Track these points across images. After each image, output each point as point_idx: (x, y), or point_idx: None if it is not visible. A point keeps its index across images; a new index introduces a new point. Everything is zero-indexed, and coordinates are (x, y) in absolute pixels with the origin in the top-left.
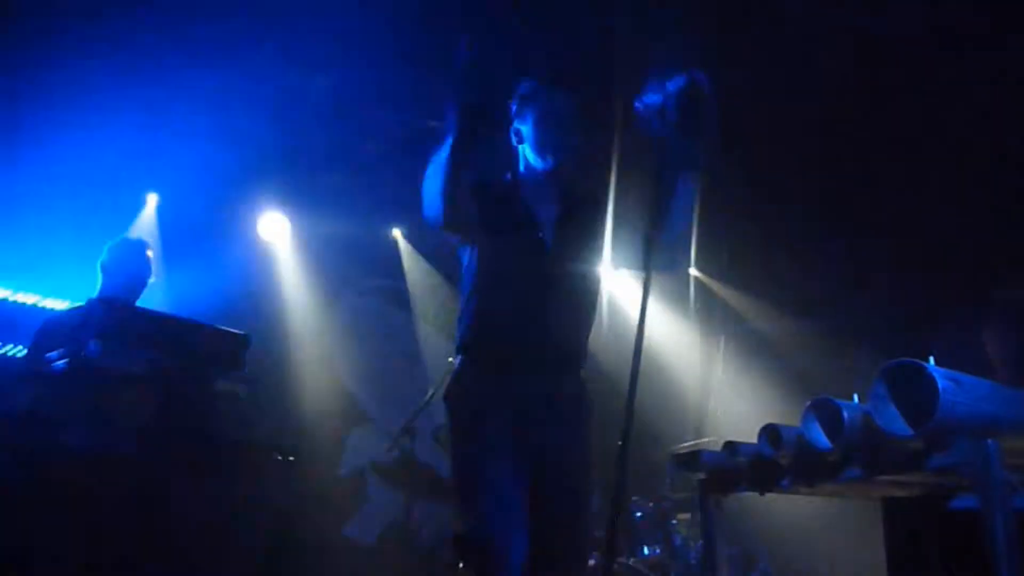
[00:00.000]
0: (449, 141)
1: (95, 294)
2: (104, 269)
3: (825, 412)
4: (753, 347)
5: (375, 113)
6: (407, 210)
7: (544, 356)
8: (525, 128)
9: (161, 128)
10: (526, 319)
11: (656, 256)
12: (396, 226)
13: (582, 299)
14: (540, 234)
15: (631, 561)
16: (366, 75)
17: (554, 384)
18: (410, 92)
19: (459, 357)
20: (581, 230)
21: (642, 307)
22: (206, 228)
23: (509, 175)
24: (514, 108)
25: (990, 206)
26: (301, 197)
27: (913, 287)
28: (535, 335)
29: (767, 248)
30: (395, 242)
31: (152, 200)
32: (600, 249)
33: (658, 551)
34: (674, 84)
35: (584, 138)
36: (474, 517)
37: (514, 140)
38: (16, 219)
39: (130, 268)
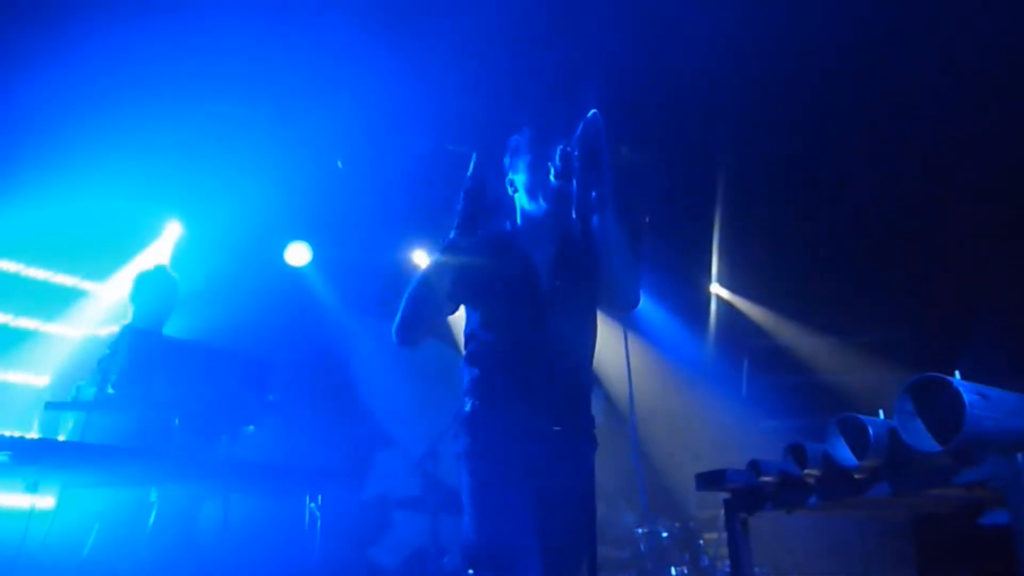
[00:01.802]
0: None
1: (128, 322)
2: (132, 299)
3: (851, 428)
4: (777, 363)
5: (395, 137)
6: (428, 234)
7: (547, 393)
8: (518, 177)
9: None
10: (528, 358)
11: (610, 295)
12: (417, 250)
13: (580, 336)
14: (538, 275)
15: None
16: (386, 99)
17: (559, 420)
18: (431, 116)
19: (467, 398)
20: (575, 269)
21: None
22: (230, 255)
23: (508, 224)
24: (506, 161)
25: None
26: (323, 223)
27: (940, 301)
28: (537, 374)
29: (791, 263)
30: (418, 266)
31: (172, 227)
32: (594, 287)
33: (686, 571)
34: (572, 137)
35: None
36: (489, 536)
37: (509, 191)
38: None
39: (155, 298)
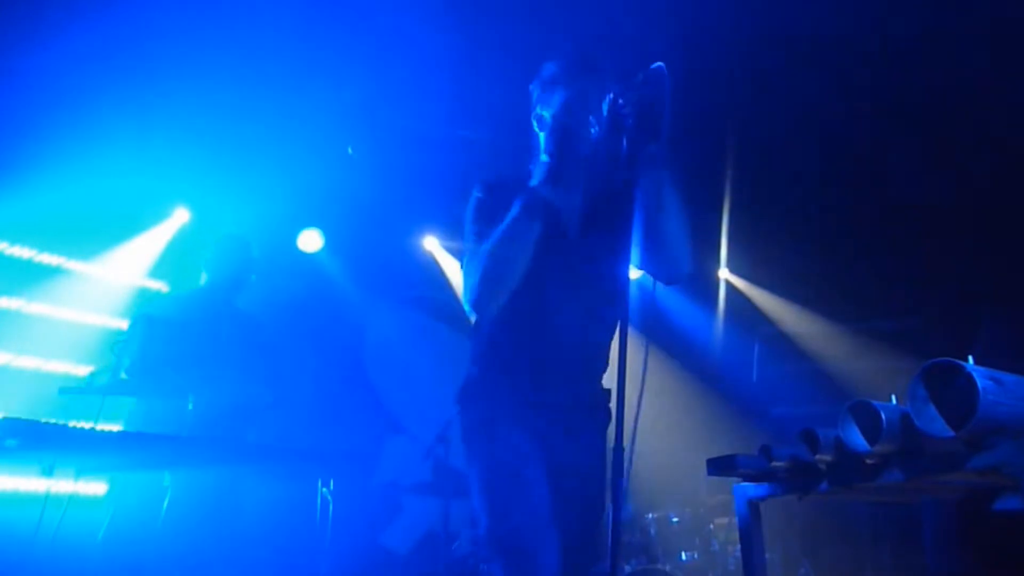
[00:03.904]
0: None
1: (197, 285)
2: (207, 265)
3: (863, 414)
4: (788, 349)
5: (408, 122)
6: (441, 219)
7: (562, 363)
8: (549, 113)
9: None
10: (544, 322)
11: (658, 263)
12: (430, 235)
13: (606, 300)
14: (562, 226)
15: (668, 567)
16: (398, 83)
17: (572, 392)
18: (443, 100)
19: (475, 366)
20: (606, 222)
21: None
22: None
23: (532, 166)
24: (536, 94)
25: None
26: (336, 209)
27: (952, 285)
28: (553, 339)
29: (801, 248)
30: (430, 252)
31: (180, 214)
32: (627, 247)
33: (696, 556)
34: (630, 87)
35: (602, 125)
36: (506, 519)
37: (536, 127)
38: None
39: (233, 265)
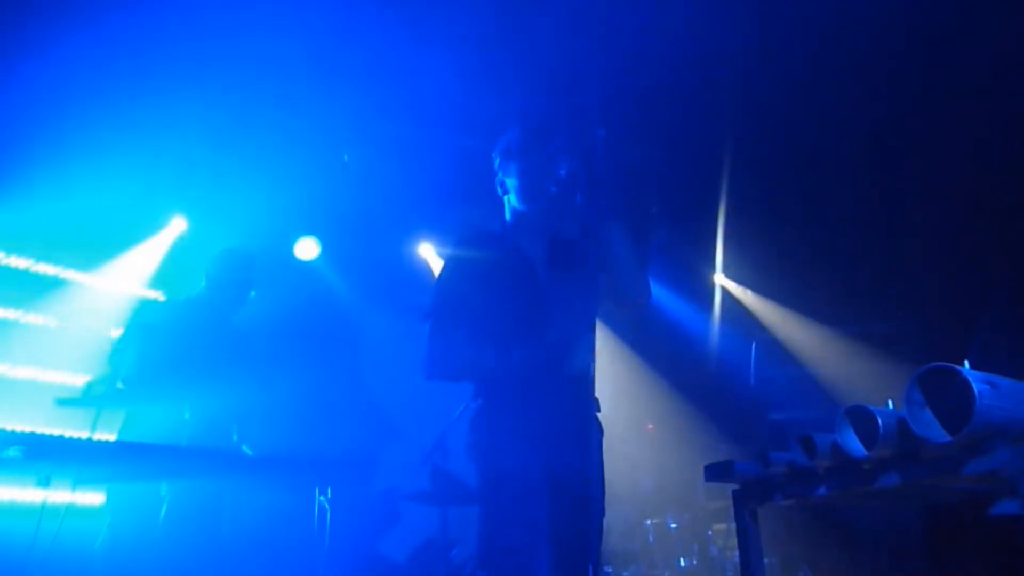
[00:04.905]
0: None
1: (194, 293)
2: (209, 277)
3: (860, 419)
4: (785, 354)
5: (403, 130)
6: (437, 227)
7: (549, 380)
8: (509, 180)
9: (191, 152)
10: (531, 352)
11: (621, 295)
12: (426, 242)
13: (581, 326)
14: (534, 268)
15: (667, 574)
16: (394, 92)
17: (563, 407)
18: (439, 109)
19: (478, 399)
20: (570, 261)
21: None
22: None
23: (499, 225)
24: (497, 162)
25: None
26: (332, 217)
27: (949, 289)
28: (540, 362)
29: (797, 253)
30: (426, 259)
31: (176, 222)
32: (590, 283)
33: (695, 562)
34: (576, 151)
35: (559, 186)
36: (502, 530)
37: (499, 191)
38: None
39: (236, 281)
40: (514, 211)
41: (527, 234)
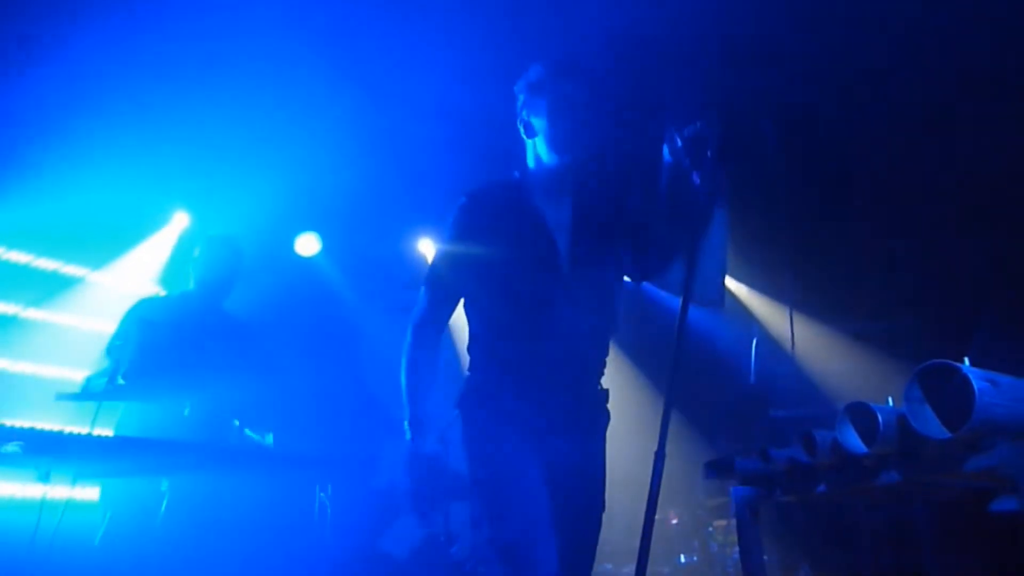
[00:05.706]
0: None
1: (188, 288)
2: (195, 267)
3: (860, 416)
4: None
5: (403, 126)
6: (438, 222)
7: (562, 367)
8: (537, 121)
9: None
10: (541, 329)
11: (695, 287)
12: (426, 238)
13: (601, 307)
14: (553, 238)
15: (667, 570)
16: (393, 87)
17: (573, 394)
18: (439, 104)
19: (474, 372)
20: (598, 234)
21: (678, 339)
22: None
23: (517, 173)
24: (522, 98)
25: None
26: (332, 212)
27: (949, 286)
28: (552, 346)
29: (797, 251)
30: (426, 255)
31: (180, 218)
32: (619, 255)
33: (695, 559)
34: (714, 119)
35: (603, 131)
36: (503, 525)
37: (523, 133)
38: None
39: (222, 267)
40: (539, 160)
41: (551, 190)
